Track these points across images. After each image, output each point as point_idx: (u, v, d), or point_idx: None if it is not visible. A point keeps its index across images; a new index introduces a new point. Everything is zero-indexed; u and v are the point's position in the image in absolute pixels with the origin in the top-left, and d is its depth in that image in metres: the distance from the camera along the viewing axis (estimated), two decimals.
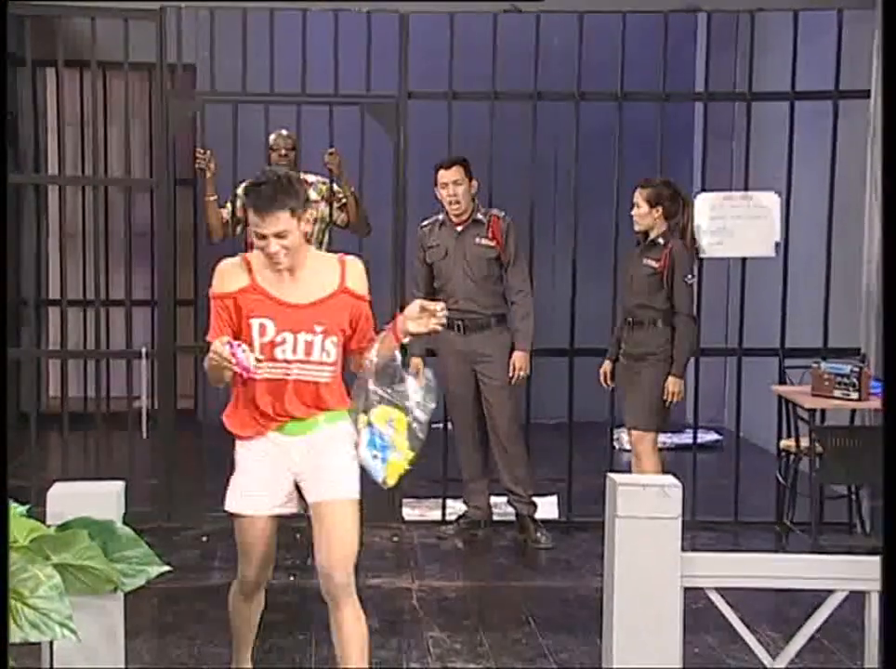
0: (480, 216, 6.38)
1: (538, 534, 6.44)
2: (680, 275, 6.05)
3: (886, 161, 2.60)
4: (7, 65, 4.56)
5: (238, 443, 3.85)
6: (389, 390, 3.67)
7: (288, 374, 3.69)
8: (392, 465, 3.67)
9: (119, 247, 7.99)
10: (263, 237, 3.61)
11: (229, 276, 3.71)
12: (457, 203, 6.30)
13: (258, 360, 3.63)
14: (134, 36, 6.44)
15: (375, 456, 3.65)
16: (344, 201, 6.69)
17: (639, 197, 6.12)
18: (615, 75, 6.69)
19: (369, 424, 3.66)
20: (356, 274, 3.78)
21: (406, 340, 3.75)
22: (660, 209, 6.09)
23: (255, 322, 3.66)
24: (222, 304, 3.69)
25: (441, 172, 6.31)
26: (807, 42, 6.65)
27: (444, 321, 3.71)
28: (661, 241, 6.11)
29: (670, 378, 6.06)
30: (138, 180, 7.33)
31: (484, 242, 6.35)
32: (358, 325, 3.79)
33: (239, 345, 3.56)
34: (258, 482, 3.80)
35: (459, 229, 6.38)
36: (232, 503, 3.84)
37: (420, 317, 3.68)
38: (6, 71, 3.13)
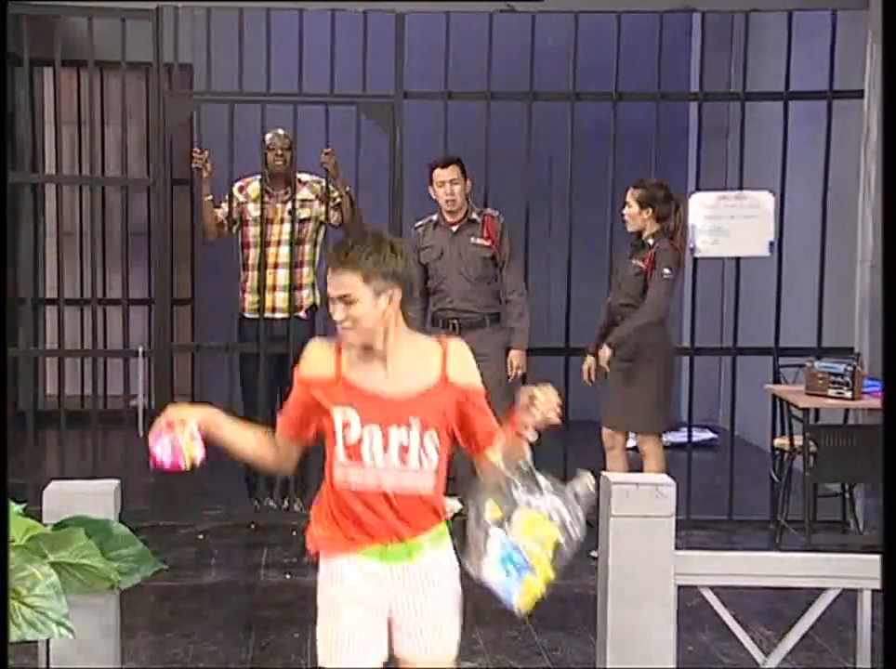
0: (474, 215, 6.41)
1: None
2: (659, 269, 6.07)
3: (886, 161, 2.61)
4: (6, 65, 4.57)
5: (323, 566, 3.14)
6: (540, 497, 2.91)
7: (381, 484, 3.03)
8: (529, 587, 2.90)
9: (116, 246, 7.99)
10: (332, 300, 3.03)
11: (316, 361, 3.12)
12: (453, 201, 6.33)
13: (342, 463, 3.04)
14: (131, 36, 6.45)
15: (508, 573, 2.89)
16: (338, 200, 6.70)
17: (630, 197, 6.14)
18: (611, 75, 6.71)
19: (507, 536, 2.88)
20: (460, 361, 3.13)
21: (530, 435, 3.00)
22: (651, 210, 6.10)
23: (337, 414, 3.05)
24: (302, 389, 3.12)
25: (438, 171, 6.33)
26: (801, 42, 6.67)
27: (557, 410, 2.97)
28: (650, 241, 6.13)
29: (601, 351, 6.13)
30: (136, 180, 7.33)
31: (479, 241, 6.38)
32: (469, 421, 3.12)
33: (171, 433, 2.94)
34: (355, 631, 3.08)
35: (454, 229, 6.40)
36: (327, 656, 3.10)
37: (530, 405, 2.95)
38: (5, 71, 3.15)
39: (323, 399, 3.07)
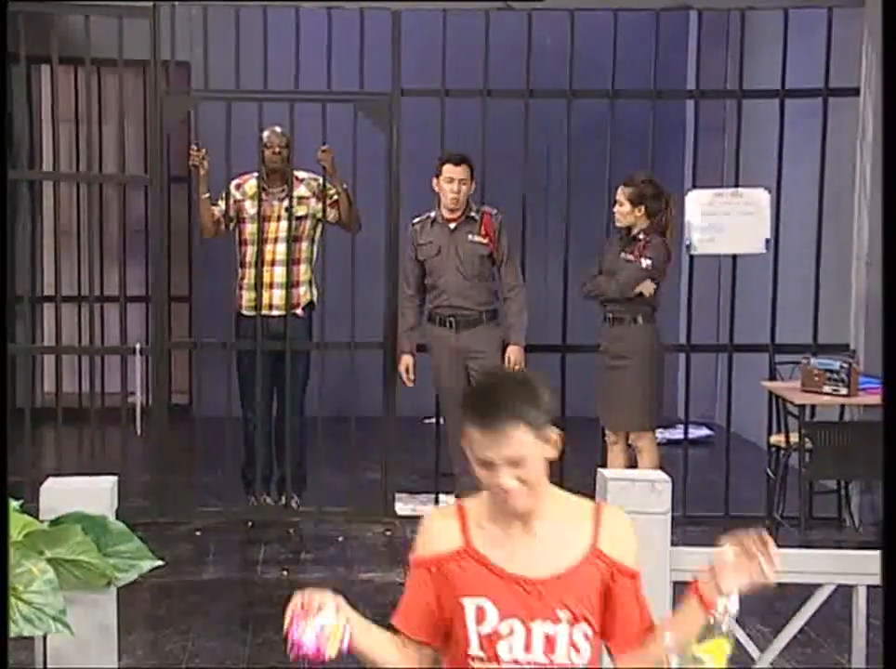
0: (472, 213, 6.42)
1: None
2: (643, 257, 6.09)
3: (886, 159, 2.62)
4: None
5: None
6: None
7: None
8: None
9: (114, 244, 8.00)
10: (490, 464, 2.39)
11: (436, 533, 2.52)
12: (457, 200, 6.33)
13: (475, 658, 2.44)
14: (128, 34, 6.45)
15: None
16: (335, 197, 6.71)
17: (621, 195, 6.16)
18: (607, 73, 6.71)
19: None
20: (616, 532, 2.52)
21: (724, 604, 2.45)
22: (642, 208, 6.13)
23: (469, 604, 2.45)
24: (425, 576, 2.50)
25: (450, 166, 6.32)
26: (797, 40, 6.68)
27: (774, 564, 2.46)
28: (640, 236, 6.16)
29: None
30: (133, 177, 7.34)
31: (477, 239, 6.38)
32: (614, 606, 2.50)
33: (314, 617, 2.43)
34: None
35: (452, 226, 6.41)
36: None
37: (738, 564, 2.46)
38: (5, 70, 3.14)
39: (452, 579, 2.47)
